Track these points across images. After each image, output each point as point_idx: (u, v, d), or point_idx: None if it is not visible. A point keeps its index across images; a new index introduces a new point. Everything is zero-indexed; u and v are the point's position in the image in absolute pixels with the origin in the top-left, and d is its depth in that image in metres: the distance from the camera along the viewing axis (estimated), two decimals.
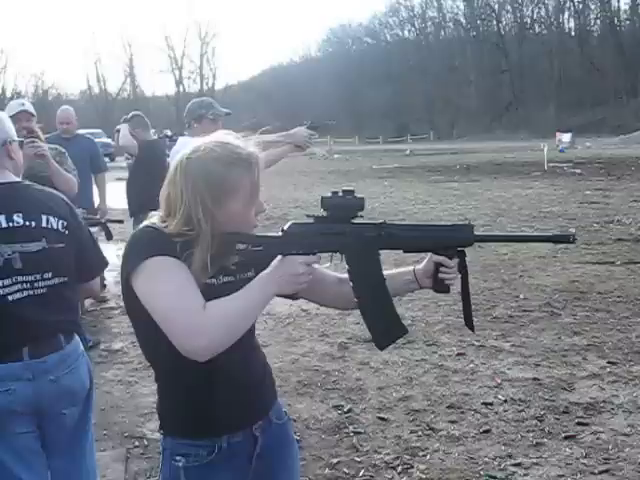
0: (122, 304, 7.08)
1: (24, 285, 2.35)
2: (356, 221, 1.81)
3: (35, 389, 2.35)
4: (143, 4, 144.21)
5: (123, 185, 7.73)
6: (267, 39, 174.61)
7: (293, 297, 1.92)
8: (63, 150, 5.06)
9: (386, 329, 1.88)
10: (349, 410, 4.43)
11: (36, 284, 2.37)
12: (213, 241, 1.72)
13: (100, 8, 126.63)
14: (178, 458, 1.82)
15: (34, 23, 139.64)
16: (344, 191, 1.78)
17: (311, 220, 1.81)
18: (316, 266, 1.83)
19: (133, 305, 1.75)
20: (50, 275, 2.39)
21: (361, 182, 21.12)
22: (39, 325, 2.37)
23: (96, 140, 7.65)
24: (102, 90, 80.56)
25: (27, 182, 2.56)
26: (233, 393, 1.82)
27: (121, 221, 5.06)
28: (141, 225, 1.82)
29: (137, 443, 4.16)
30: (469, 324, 1.95)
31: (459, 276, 1.88)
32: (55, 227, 2.43)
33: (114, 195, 7.55)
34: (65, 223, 2.46)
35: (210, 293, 1.71)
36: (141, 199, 6.62)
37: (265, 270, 1.74)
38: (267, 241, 1.79)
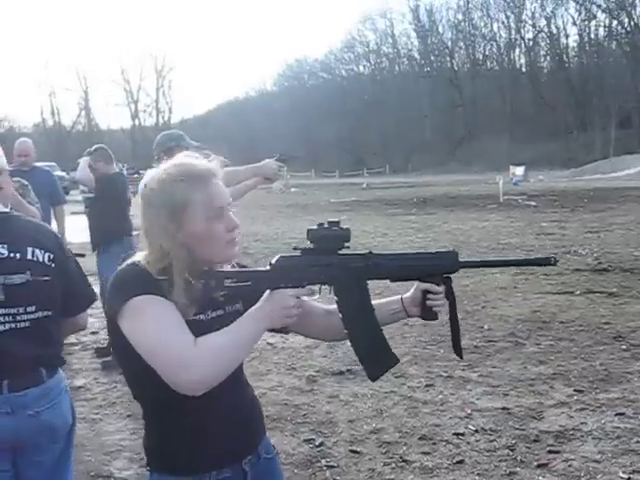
0: (83, 340, 6.98)
1: (6, 318, 2.31)
2: (343, 252, 1.81)
3: (14, 423, 2.30)
4: (98, 37, 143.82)
5: (79, 218, 7.61)
6: (223, 73, 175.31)
7: (284, 331, 1.90)
8: (26, 183, 4.99)
9: (378, 359, 1.88)
10: (321, 444, 4.39)
11: (19, 317, 2.32)
12: (191, 268, 1.71)
13: (54, 40, 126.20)
14: None
15: None
16: (330, 222, 1.79)
17: (298, 253, 1.81)
18: (305, 298, 1.83)
19: (120, 343, 1.72)
20: (34, 309, 2.35)
21: (320, 215, 21.17)
22: (20, 358, 2.32)
23: None
24: (56, 123, 79.96)
25: (15, 213, 2.53)
26: (221, 428, 1.79)
27: (83, 255, 4.98)
28: (124, 264, 1.80)
29: None
30: (458, 351, 1.95)
31: (446, 303, 1.89)
32: (41, 260, 2.39)
33: (71, 229, 7.43)
34: (52, 256, 2.43)
35: (200, 328, 1.69)
36: (102, 232, 6.57)
37: (256, 305, 1.73)
38: (255, 275, 1.78)
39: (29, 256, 2.37)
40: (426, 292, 1.87)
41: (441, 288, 1.87)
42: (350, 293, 1.83)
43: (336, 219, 1.80)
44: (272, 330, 1.80)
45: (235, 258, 1.85)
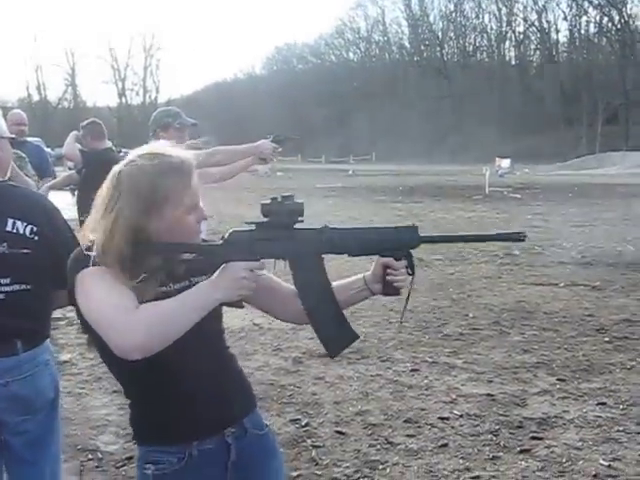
0: (69, 315, 6.97)
1: None
2: (297, 226, 1.78)
3: None
4: (87, 12, 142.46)
5: (63, 195, 7.54)
6: (212, 54, 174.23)
7: (238, 305, 1.84)
8: (23, 155, 4.95)
9: (336, 336, 1.85)
10: (306, 424, 4.42)
11: None
12: (146, 252, 1.71)
13: (42, 15, 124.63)
14: (147, 465, 1.81)
15: None
16: (283, 197, 1.75)
17: (252, 227, 1.78)
18: (262, 272, 1.80)
19: (82, 318, 1.74)
20: (8, 281, 2.32)
21: (305, 200, 20.95)
22: None
23: None
24: (42, 98, 79.20)
25: (7, 182, 2.49)
26: (198, 398, 1.80)
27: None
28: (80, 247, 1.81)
29: (91, 456, 4.08)
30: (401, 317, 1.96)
31: (408, 278, 1.85)
32: (21, 232, 2.34)
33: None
34: (35, 229, 2.37)
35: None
36: (89, 209, 6.49)
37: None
38: (208, 249, 1.77)
39: (8, 228, 2.33)
40: (386, 267, 1.83)
41: (401, 263, 1.82)
42: (305, 267, 1.80)
43: (289, 193, 1.76)
44: (226, 304, 1.77)
45: None
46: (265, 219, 1.76)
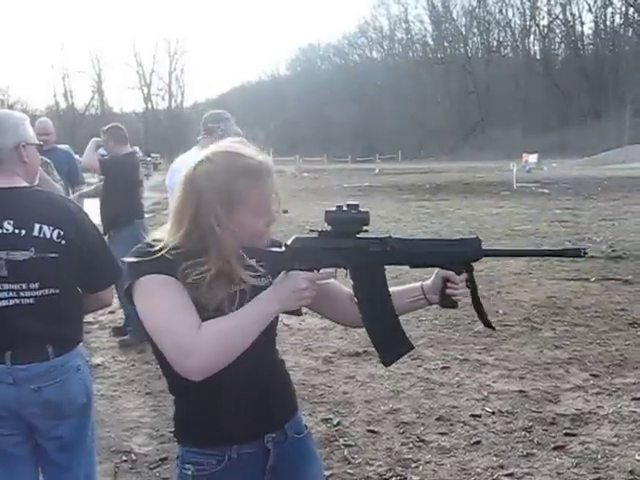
0: (100, 319, 7.04)
1: (10, 293, 2.32)
2: (361, 236, 1.77)
3: (16, 394, 2.34)
4: (112, 19, 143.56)
5: (90, 201, 7.55)
6: (236, 58, 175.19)
7: (297, 313, 1.83)
8: (48, 161, 5.00)
9: (392, 345, 1.85)
10: (338, 423, 4.42)
11: (22, 293, 2.33)
12: (222, 252, 1.70)
13: (68, 23, 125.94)
14: (187, 466, 1.81)
15: None
16: (348, 205, 1.74)
17: (315, 235, 1.78)
18: (326, 281, 1.80)
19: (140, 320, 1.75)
20: (37, 286, 2.34)
21: (332, 200, 21.09)
22: (24, 333, 2.34)
23: None
24: (69, 106, 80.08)
25: (34, 188, 2.51)
26: (242, 403, 1.80)
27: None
28: (139, 244, 1.80)
29: (125, 458, 4.11)
30: (488, 324, 1.94)
31: (468, 292, 1.85)
32: (48, 236, 2.36)
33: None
34: (62, 232, 2.38)
35: (232, 301, 1.72)
36: (112, 215, 6.47)
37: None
38: (270, 256, 1.76)
39: (35, 233, 2.34)
40: (446, 280, 1.83)
41: (462, 277, 1.83)
42: (366, 277, 1.79)
43: (355, 202, 1.75)
44: (285, 312, 1.77)
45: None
46: (329, 227, 1.75)
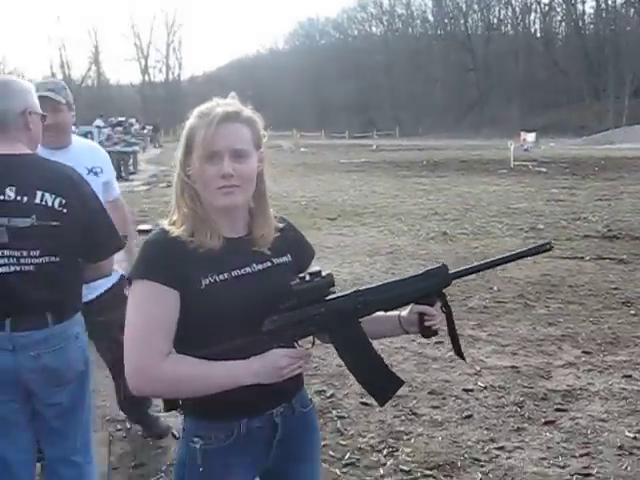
0: None
1: (10, 260, 2.32)
2: (330, 297, 1.79)
3: (15, 360, 2.36)
4: None
5: None
6: (234, 31, 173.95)
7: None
8: None
9: (382, 388, 1.88)
10: (332, 395, 4.47)
11: (22, 260, 2.34)
12: (192, 197, 1.78)
13: None
14: (196, 439, 1.81)
15: None
16: (310, 274, 1.76)
17: (284, 311, 1.78)
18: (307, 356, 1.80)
19: None
20: (37, 253, 2.35)
21: (329, 175, 21.18)
22: (23, 300, 2.36)
23: None
24: (66, 76, 79.34)
25: (36, 156, 2.51)
26: None
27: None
28: (156, 229, 1.82)
29: (119, 426, 4.16)
30: (460, 354, 1.98)
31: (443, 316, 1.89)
32: (50, 204, 2.36)
33: None
34: (63, 201, 2.38)
35: (247, 282, 1.76)
36: None
37: (254, 357, 1.73)
38: (247, 342, 1.75)
39: (37, 200, 2.35)
40: (422, 314, 1.86)
41: (436, 306, 1.86)
42: (345, 337, 1.82)
43: (317, 268, 1.77)
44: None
45: (230, 208, 1.79)
46: (297, 299, 1.77)
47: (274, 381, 1.73)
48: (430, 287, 1.84)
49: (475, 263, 1.93)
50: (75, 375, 2.54)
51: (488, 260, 1.92)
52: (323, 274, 1.77)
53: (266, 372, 1.71)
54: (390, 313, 1.90)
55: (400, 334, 1.95)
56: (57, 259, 2.40)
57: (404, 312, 1.90)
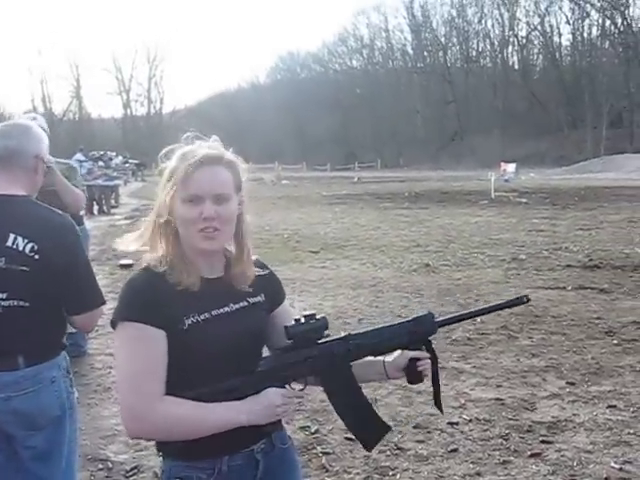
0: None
1: None
2: (323, 340, 1.83)
3: None
4: (91, 24, 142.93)
5: None
6: (215, 65, 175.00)
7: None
8: (75, 166, 5.00)
9: (370, 432, 1.91)
10: (316, 431, 4.42)
11: None
12: (171, 241, 1.80)
13: (47, 26, 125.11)
14: None
15: None
16: (305, 316, 1.80)
17: (279, 352, 1.83)
18: (301, 395, 1.84)
19: None
20: (4, 296, 2.33)
21: (312, 208, 21.23)
22: None
23: None
24: (47, 110, 79.35)
25: (28, 199, 2.49)
26: None
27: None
28: (136, 271, 1.82)
29: (101, 466, 4.08)
30: (439, 406, 2.03)
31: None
32: (20, 249, 2.33)
33: None
34: (36, 247, 2.34)
35: (225, 322, 1.77)
36: None
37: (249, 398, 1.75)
38: (242, 382, 1.76)
39: (8, 243, 2.33)
40: (414, 359, 1.89)
41: (425, 353, 1.90)
42: (335, 379, 1.85)
43: (312, 311, 1.81)
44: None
45: (210, 251, 1.80)
46: (291, 342, 1.80)
47: (269, 421, 1.75)
48: (419, 333, 1.89)
49: (456, 313, 2.01)
50: (49, 420, 2.47)
51: (471, 310, 2.02)
52: (317, 317, 1.81)
53: (262, 411, 1.72)
54: (374, 358, 1.91)
55: (382, 379, 1.98)
56: (26, 304, 2.36)
57: (388, 357, 1.91)
